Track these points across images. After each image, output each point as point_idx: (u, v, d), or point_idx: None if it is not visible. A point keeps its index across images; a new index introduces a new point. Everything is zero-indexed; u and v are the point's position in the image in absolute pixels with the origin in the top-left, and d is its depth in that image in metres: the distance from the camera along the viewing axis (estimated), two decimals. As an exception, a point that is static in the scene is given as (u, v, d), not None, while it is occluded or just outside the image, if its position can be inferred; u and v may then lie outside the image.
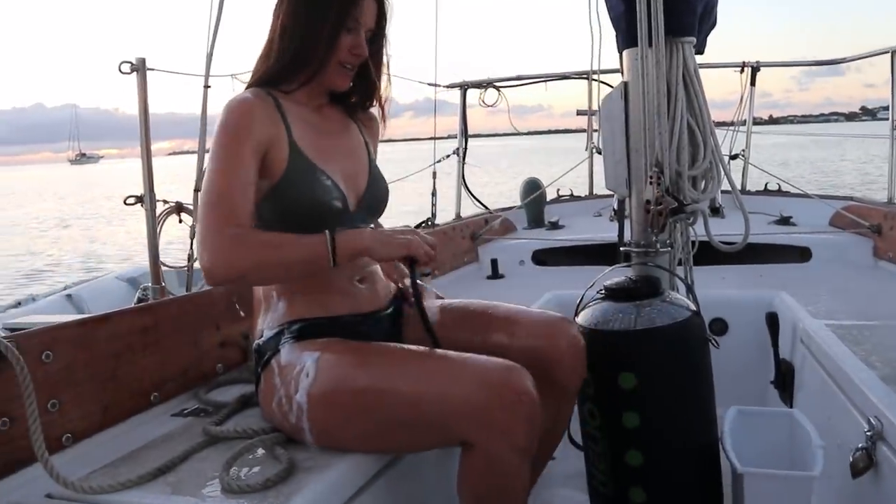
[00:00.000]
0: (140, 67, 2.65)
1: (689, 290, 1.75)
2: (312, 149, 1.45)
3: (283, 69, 1.46)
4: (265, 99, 1.44)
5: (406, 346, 1.39)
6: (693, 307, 1.61)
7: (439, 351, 1.33)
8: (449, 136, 4.42)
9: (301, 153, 1.43)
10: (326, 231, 1.31)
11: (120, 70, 2.65)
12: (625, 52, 1.81)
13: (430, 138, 4.03)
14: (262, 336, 1.46)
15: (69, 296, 4.37)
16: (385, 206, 1.62)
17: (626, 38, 1.77)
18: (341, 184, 1.47)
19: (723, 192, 1.90)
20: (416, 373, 1.27)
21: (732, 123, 4.61)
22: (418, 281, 1.41)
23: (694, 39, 1.74)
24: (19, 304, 4.26)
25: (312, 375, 1.32)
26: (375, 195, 1.57)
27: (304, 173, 1.42)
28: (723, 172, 1.81)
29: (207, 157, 1.44)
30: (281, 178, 1.40)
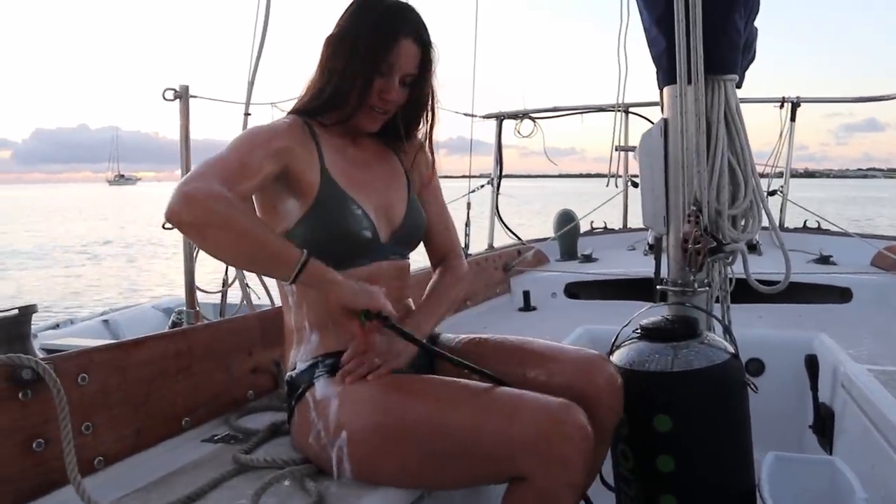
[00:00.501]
0: (183, 94, 2.70)
1: (727, 331, 1.72)
2: (344, 178, 1.46)
3: (318, 108, 1.48)
4: (301, 126, 1.47)
5: (450, 378, 1.37)
6: (731, 349, 1.58)
7: (486, 384, 1.31)
8: (482, 175, 4.42)
9: (332, 181, 1.44)
10: (306, 251, 1.29)
11: (164, 97, 2.71)
12: (665, 89, 1.79)
13: (464, 176, 4.04)
14: (294, 368, 1.46)
15: (106, 321, 4.45)
16: (420, 238, 1.61)
17: (668, 75, 1.75)
18: (372, 214, 1.47)
19: (761, 228, 1.87)
20: (470, 405, 1.25)
21: (768, 176, 4.55)
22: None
23: (736, 77, 1.72)
24: (58, 325, 4.34)
25: (355, 409, 1.30)
26: (413, 226, 1.57)
27: (335, 201, 1.43)
28: (763, 212, 1.78)
29: None
30: (313, 203, 1.41)
